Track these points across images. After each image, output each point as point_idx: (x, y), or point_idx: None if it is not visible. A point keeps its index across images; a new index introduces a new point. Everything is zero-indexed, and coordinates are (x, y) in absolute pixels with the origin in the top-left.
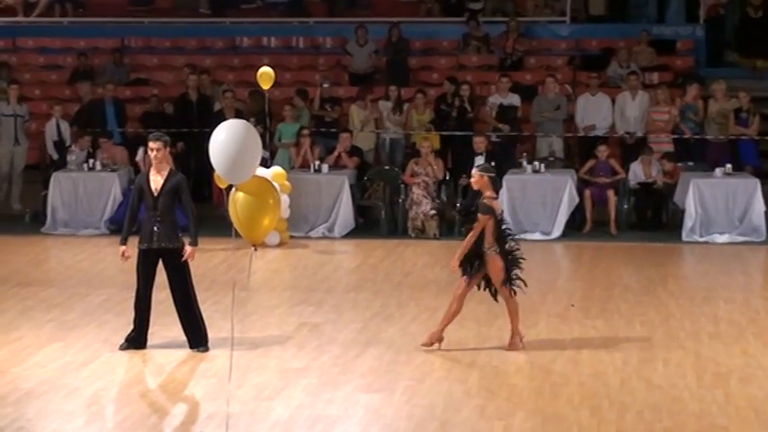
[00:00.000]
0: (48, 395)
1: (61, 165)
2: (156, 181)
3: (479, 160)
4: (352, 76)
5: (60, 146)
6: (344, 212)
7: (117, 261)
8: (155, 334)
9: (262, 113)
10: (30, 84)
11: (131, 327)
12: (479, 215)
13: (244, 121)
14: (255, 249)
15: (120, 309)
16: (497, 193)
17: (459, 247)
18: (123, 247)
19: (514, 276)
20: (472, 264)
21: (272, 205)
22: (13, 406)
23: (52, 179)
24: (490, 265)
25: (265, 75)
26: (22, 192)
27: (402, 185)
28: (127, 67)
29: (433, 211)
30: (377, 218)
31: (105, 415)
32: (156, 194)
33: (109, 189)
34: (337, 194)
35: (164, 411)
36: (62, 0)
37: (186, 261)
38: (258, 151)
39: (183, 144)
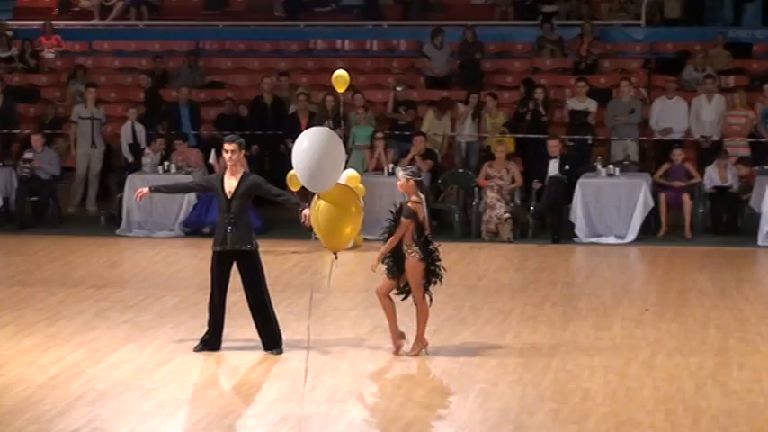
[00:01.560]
0: (123, 396)
1: (136, 167)
2: (230, 184)
3: (554, 164)
4: (429, 80)
5: (135, 148)
6: None
7: (192, 263)
8: (229, 336)
9: (337, 116)
10: (105, 87)
11: (206, 328)
12: (402, 218)
13: (327, 128)
14: (336, 257)
15: (194, 310)
16: (420, 196)
17: (382, 247)
18: (146, 189)
19: (432, 281)
20: (399, 266)
21: (355, 213)
22: (89, 406)
23: (127, 181)
24: (408, 267)
25: (340, 78)
26: (97, 194)
27: (476, 189)
28: (201, 70)
29: (507, 215)
30: (450, 221)
31: (179, 416)
32: (229, 197)
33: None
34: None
35: (237, 413)
36: (137, 3)
37: (260, 263)
38: (341, 159)
39: (258, 147)
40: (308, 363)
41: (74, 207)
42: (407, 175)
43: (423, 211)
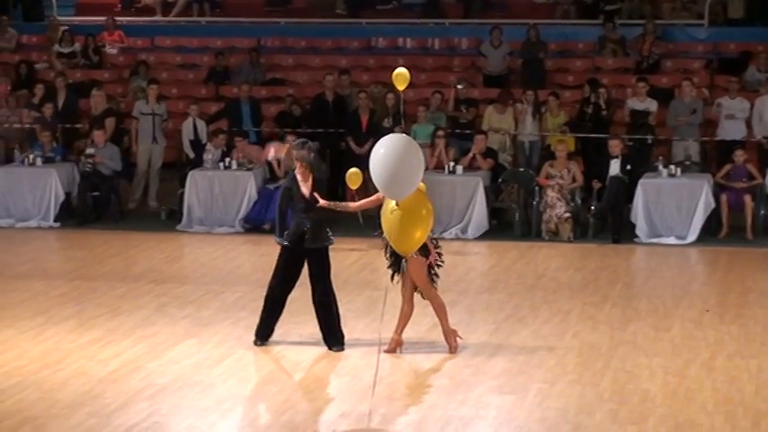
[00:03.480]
0: (182, 391)
1: (197, 163)
2: (306, 185)
3: (615, 163)
4: (486, 78)
5: (196, 144)
6: (478, 214)
7: (252, 259)
8: (289, 332)
9: (397, 114)
10: (167, 83)
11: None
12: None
13: (406, 135)
14: (405, 260)
15: (254, 306)
16: None
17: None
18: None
19: (433, 274)
20: (399, 262)
21: (425, 216)
22: (149, 401)
23: (188, 177)
24: (411, 266)
25: (400, 76)
26: (158, 189)
27: (536, 188)
28: (263, 67)
29: (568, 214)
30: (510, 220)
31: (238, 412)
32: (307, 197)
33: (244, 188)
34: (471, 196)
35: (296, 409)
36: (200, 0)
37: (329, 261)
38: (420, 167)
39: (319, 144)
40: (370, 360)
41: (135, 202)
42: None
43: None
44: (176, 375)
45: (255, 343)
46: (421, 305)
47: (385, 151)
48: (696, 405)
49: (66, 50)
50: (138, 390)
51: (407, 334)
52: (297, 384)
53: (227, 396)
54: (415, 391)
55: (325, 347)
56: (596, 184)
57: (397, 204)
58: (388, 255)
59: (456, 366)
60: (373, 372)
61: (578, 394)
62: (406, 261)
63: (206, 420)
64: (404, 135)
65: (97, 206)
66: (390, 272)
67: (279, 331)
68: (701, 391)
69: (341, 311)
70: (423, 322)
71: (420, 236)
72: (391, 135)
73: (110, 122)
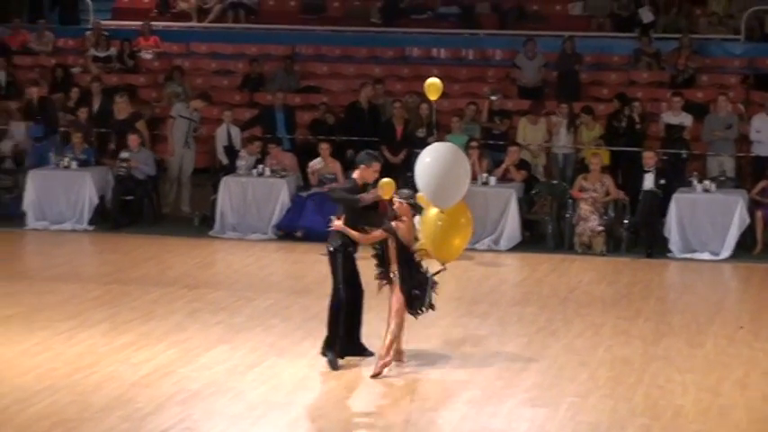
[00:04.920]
0: (214, 397)
1: (230, 169)
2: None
3: (649, 177)
4: (520, 90)
5: (230, 151)
6: (511, 226)
7: (284, 267)
8: (321, 339)
9: (431, 124)
10: (201, 89)
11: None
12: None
13: (452, 144)
14: (444, 268)
15: (286, 313)
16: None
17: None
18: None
19: (416, 309)
20: (388, 274)
21: (464, 225)
22: (181, 406)
23: (222, 183)
24: (393, 289)
25: (433, 86)
26: (191, 195)
27: (570, 200)
28: (297, 75)
29: (601, 228)
30: (543, 232)
31: (270, 419)
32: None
33: (277, 195)
34: (504, 207)
35: (327, 418)
36: (235, 6)
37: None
38: (467, 175)
39: (353, 152)
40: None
41: (168, 207)
42: (401, 199)
43: (410, 234)
44: (208, 381)
45: (333, 365)
46: (453, 316)
47: (432, 160)
48: (729, 422)
49: (101, 55)
50: (171, 395)
51: (440, 346)
52: (328, 392)
53: (258, 403)
54: (446, 402)
55: (358, 356)
56: (621, 195)
57: (442, 212)
58: (376, 263)
59: (487, 379)
60: (403, 383)
61: (610, 409)
62: (394, 274)
63: (237, 427)
64: (451, 144)
65: (131, 210)
66: (378, 281)
67: (311, 339)
68: (734, 408)
69: (373, 321)
70: (454, 333)
71: (459, 243)
72: (439, 144)
73: (140, 125)
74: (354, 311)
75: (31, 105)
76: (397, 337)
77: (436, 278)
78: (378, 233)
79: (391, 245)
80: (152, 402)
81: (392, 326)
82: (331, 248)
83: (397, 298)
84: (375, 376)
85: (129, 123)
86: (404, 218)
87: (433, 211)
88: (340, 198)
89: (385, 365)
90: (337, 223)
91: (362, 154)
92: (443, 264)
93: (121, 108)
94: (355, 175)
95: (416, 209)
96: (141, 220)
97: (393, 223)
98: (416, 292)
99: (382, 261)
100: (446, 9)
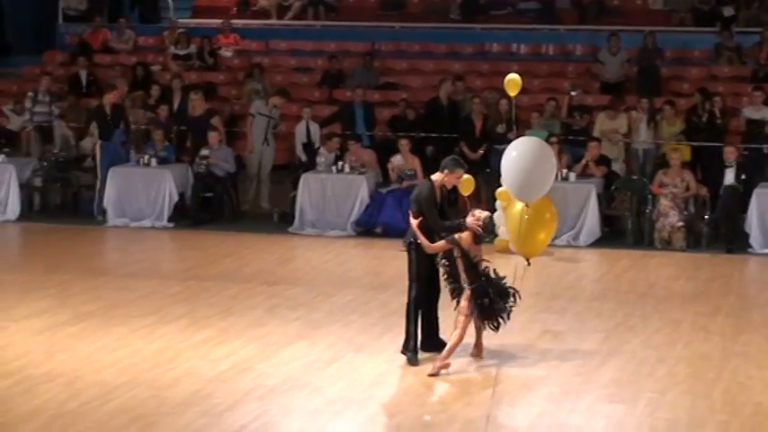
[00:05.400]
0: (291, 392)
1: (310, 166)
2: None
3: (729, 172)
4: (602, 85)
5: (309, 148)
6: (590, 221)
7: (363, 263)
8: (400, 335)
9: (510, 120)
10: (281, 86)
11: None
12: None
13: (538, 139)
14: (528, 264)
15: (365, 309)
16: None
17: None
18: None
19: (487, 322)
20: (461, 288)
21: (549, 220)
22: (258, 401)
23: (301, 180)
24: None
25: (512, 82)
26: (270, 192)
27: (649, 196)
28: (376, 71)
29: (681, 223)
30: (623, 228)
31: (348, 415)
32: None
33: (356, 191)
34: (584, 203)
35: (406, 414)
36: (315, 3)
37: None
38: (553, 170)
39: (433, 148)
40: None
41: (248, 204)
42: (477, 222)
43: (473, 250)
44: (286, 377)
45: (412, 362)
46: (531, 312)
47: (518, 154)
48: None
49: (181, 52)
50: (248, 390)
51: (518, 342)
52: (406, 388)
53: (336, 398)
54: (524, 398)
55: (438, 352)
56: (702, 190)
57: (527, 206)
58: (445, 278)
59: (565, 374)
60: (480, 378)
61: (689, 405)
62: (464, 281)
63: (315, 422)
64: (537, 138)
65: (211, 207)
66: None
67: (390, 334)
68: None
69: (451, 317)
70: (532, 328)
71: (544, 238)
72: (525, 138)
73: (216, 122)
74: (431, 307)
75: (101, 111)
76: (457, 345)
77: (517, 284)
78: (442, 243)
79: (457, 255)
80: (230, 398)
81: (457, 331)
82: (407, 243)
83: (465, 306)
84: (433, 375)
85: (204, 120)
86: (468, 234)
87: (517, 206)
88: (441, 229)
89: (443, 367)
90: (412, 221)
91: (449, 159)
92: (527, 259)
93: (197, 105)
94: (435, 176)
95: (487, 232)
96: (221, 217)
97: (456, 235)
98: (486, 300)
99: (451, 276)
100: (526, 5)
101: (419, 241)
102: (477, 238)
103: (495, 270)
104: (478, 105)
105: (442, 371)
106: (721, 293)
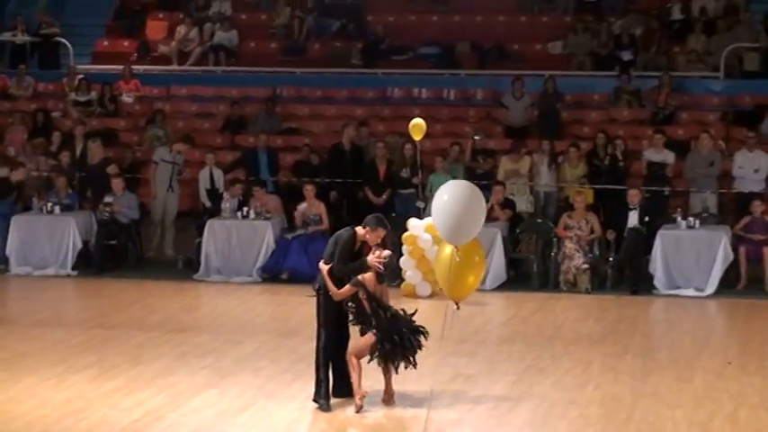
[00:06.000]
0: None
1: (214, 212)
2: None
3: (633, 214)
4: (506, 129)
5: (213, 194)
6: (496, 265)
7: (269, 309)
8: (309, 382)
9: (414, 165)
10: (182, 132)
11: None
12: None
13: (467, 182)
14: (458, 307)
15: (273, 356)
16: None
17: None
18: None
19: (389, 360)
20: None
21: (478, 263)
22: None
23: (207, 226)
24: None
25: (417, 126)
26: (175, 238)
27: (555, 239)
28: (279, 117)
29: (586, 266)
30: (528, 271)
31: None
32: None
33: (262, 237)
34: (489, 247)
35: None
36: (216, 49)
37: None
38: (483, 212)
39: (336, 194)
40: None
41: (152, 251)
42: (377, 259)
43: (379, 290)
44: (198, 425)
45: (322, 407)
46: (441, 355)
47: (449, 197)
48: None
49: (82, 99)
50: None
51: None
52: None
53: None
54: None
55: (348, 398)
56: (610, 235)
57: (456, 249)
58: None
59: (479, 417)
60: (394, 423)
61: None
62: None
63: None
64: (467, 182)
65: (115, 255)
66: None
67: (300, 381)
68: None
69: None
70: (443, 372)
71: (473, 281)
72: (455, 181)
73: (112, 170)
74: (340, 353)
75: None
76: (358, 378)
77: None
78: (347, 288)
79: (362, 297)
80: None
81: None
82: (316, 287)
83: (364, 341)
84: (359, 410)
85: (100, 168)
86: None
87: (446, 250)
88: (344, 272)
89: (361, 398)
90: (323, 266)
91: (371, 217)
92: (456, 303)
93: (95, 152)
94: (359, 229)
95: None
96: (125, 264)
97: (360, 276)
98: (387, 345)
99: (359, 316)
100: (426, 50)
101: (327, 287)
102: (380, 277)
103: (403, 309)
104: (382, 150)
105: (364, 401)
106: (628, 334)
